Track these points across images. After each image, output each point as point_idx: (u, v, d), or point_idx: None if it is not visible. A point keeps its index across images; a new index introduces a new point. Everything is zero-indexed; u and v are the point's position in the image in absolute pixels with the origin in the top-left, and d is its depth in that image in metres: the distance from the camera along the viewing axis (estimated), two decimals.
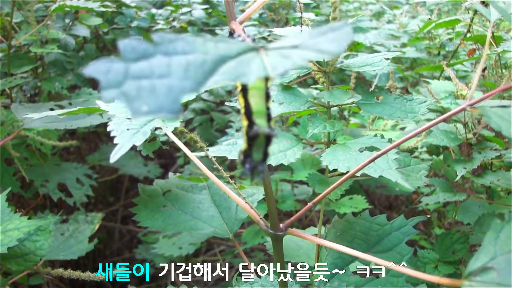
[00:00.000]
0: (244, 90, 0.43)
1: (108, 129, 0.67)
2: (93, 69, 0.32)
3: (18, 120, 1.24)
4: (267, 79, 0.43)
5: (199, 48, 0.36)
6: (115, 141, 0.65)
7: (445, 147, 1.46)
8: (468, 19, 1.60)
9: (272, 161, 0.77)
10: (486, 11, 0.77)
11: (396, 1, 2.60)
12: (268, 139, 0.41)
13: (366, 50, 1.85)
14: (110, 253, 1.85)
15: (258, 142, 0.41)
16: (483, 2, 1.49)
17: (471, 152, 1.27)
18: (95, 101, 0.82)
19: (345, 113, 1.62)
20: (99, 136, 1.96)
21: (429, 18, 1.80)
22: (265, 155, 0.42)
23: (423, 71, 1.80)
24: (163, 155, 2.02)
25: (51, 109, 1.23)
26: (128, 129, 0.65)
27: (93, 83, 1.80)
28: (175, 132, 0.76)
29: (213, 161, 0.77)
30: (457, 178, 1.18)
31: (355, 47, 1.77)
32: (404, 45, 2.04)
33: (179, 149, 1.84)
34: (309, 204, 0.65)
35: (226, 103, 0.89)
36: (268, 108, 0.43)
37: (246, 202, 0.68)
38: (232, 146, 0.81)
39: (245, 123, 0.42)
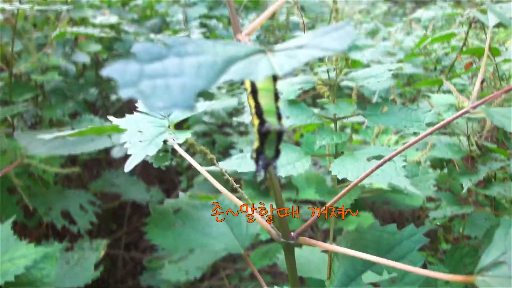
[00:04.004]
0: (254, 91, 0.45)
1: (121, 141, 0.67)
2: (109, 70, 0.34)
3: (21, 148, 1.24)
4: (275, 80, 0.46)
5: (209, 50, 0.38)
6: (128, 152, 0.65)
7: (449, 161, 1.46)
8: (463, 33, 1.62)
9: (282, 172, 0.77)
10: (484, 17, 0.78)
11: (390, 19, 2.63)
12: (279, 135, 0.43)
13: (363, 68, 1.87)
14: (114, 281, 1.83)
15: (269, 139, 0.43)
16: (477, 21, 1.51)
17: (476, 164, 1.27)
18: (107, 116, 0.82)
19: (347, 130, 1.63)
20: (101, 163, 1.95)
21: (425, 34, 1.82)
22: (277, 152, 0.44)
23: (420, 87, 1.81)
24: (165, 180, 2.01)
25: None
26: (140, 141, 0.66)
27: (94, 109, 1.80)
28: (185, 144, 0.76)
29: (224, 172, 0.77)
30: (464, 191, 1.18)
31: (352, 65, 1.78)
32: (400, 62, 2.05)
33: (181, 173, 1.84)
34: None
35: (233, 119, 0.90)
36: (277, 108, 0.45)
37: (256, 212, 0.67)
38: (241, 160, 0.81)
39: (256, 122, 0.44)
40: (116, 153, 1.58)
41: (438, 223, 1.59)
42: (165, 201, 0.99)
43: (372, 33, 2.37)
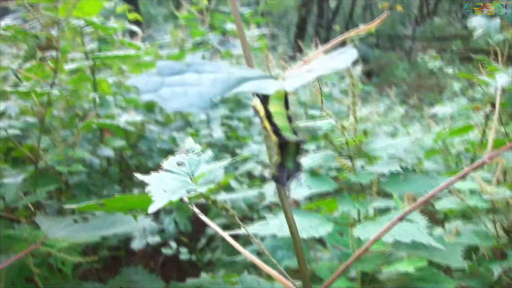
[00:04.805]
0: (269, 115, 0.48)
1: (146, 190, 0.68)
2: (134, 80, 0.39)
3: (41, 235, 1.24)
4: (287, 107, 0.49)
5: (224, 70, 0.43)
6: (153, 199, 0.66)
7: (476, 250, 1.41)
8: (481, 126, 1.63)
9: (304, 234, 0.76)
10: (492, 81, 0.80)
11: (408, 121, 2.69)
12: (297, 147, 0.45)
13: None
14: None
15: (289, 150, 0.45)
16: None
17: (504, 250, 1.23)
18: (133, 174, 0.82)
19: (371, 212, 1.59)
20: (120, 262, 1.92)
21: (444, 129, 1.84)
22: (297, 164, 0.46)
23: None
24: (183, 275, 1.96)
25: (75, 220, 1.23)
26: (164, 191, 0.67)
27: None
28: (206, 199, 0.75)
29: (250, 234, 0.76)
30: (495, 276, 1.13)
31: (370, 161, 1.79)
32: (420, 160, 2.06)
33: (201, 269, 1.79)
34: (342, 266, 0.62)
35: (249, 187, 0.90)
36: (292, 127, 0.47)
37: (278, 271, 0.65)
38: (263, 226, 0.81)
39: (274, 138, 0.46)
40: (136, 245, 1.56)
41: None
42: (187, 280, 0.97)
43: (392, 135, 2.41)
